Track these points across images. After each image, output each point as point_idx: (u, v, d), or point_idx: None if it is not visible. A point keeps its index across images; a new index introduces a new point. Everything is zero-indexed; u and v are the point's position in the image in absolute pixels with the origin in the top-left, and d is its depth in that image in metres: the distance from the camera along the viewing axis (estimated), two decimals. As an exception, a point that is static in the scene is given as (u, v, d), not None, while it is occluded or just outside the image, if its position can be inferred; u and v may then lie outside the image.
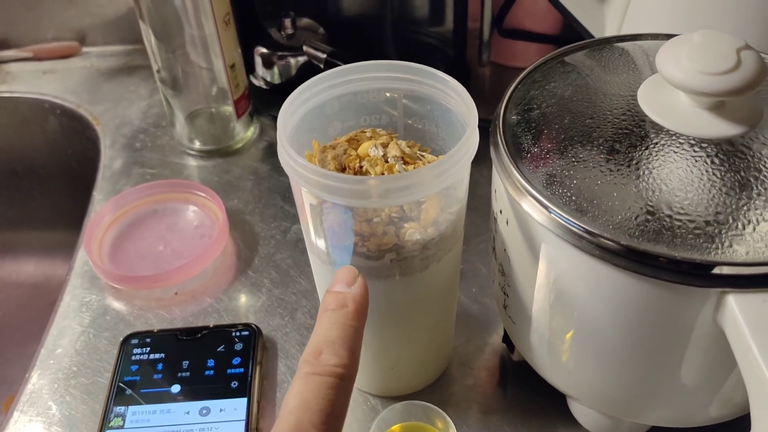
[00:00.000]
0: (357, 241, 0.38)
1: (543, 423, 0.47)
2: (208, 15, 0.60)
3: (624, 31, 0.56)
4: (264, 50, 0.70)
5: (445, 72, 0.40)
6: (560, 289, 0.37)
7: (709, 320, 0.33)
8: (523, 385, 0.49)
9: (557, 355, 0.41)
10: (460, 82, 0.40)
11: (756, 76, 0.34)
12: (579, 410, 0.46)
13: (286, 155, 0.37)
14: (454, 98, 0.40)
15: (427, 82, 0.41)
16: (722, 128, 0.35)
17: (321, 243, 0.40)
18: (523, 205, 0.36)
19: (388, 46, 0.66)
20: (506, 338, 0.49)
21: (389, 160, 0.40)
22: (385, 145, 0.41)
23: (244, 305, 0.55)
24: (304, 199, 0.39)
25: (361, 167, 0.40)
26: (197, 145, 0.69)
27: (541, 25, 0.72)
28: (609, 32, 0.57)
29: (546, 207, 0.35)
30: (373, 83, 0.42)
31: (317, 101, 0.41)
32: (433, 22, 0.70)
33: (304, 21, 0.73)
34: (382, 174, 0.39)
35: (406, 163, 0.40)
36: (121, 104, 0.76)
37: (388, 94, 0.42)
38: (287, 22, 0.69)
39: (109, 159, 0.69)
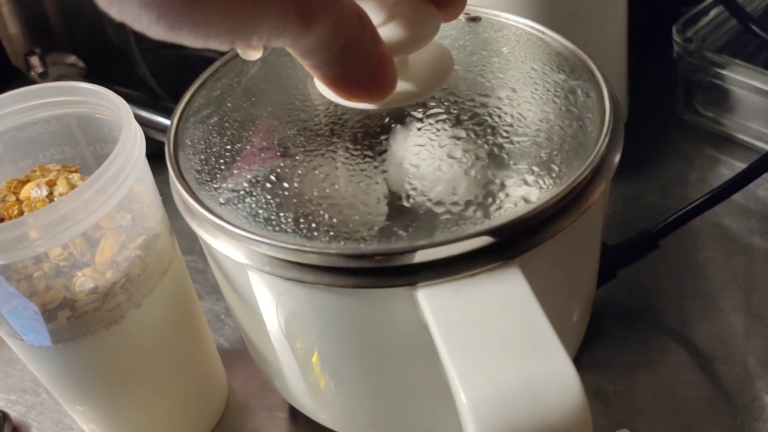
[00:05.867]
0: (18, 304, 0.31)
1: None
2: None
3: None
4: (15, 95, 0.62)
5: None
6: (267, 317, 0.31)
7: (417, 321, 0.28)
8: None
9: (304, 390, 0.35)
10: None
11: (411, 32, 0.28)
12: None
13: None
14: (113, 109, 0.34)
15: (92, 101, 0.35)
16: (401, 96, 0.30)
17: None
18: (193, 227, 0.30)
19: (145, 68, 0.60)
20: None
21: (56, 199, 0.33)
22: (52, 183, 0.34)
23: (-5, 389, 0.48)
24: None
25: (22, 213, 0.33)
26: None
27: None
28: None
29: (214, 225, 0.29)
30: (34, 113, 0.35)
31: (-35, 146, 0.35)
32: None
33: (69, 57, 0.67)
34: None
35: (78, 199, 0.34)
36: None
37: (57, 122, 0.36)
38: (34, 60, 0.62)
39: None
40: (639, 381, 0.41)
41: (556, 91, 0.30)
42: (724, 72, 0.50)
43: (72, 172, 0.35)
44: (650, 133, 0.54)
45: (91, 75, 0.64)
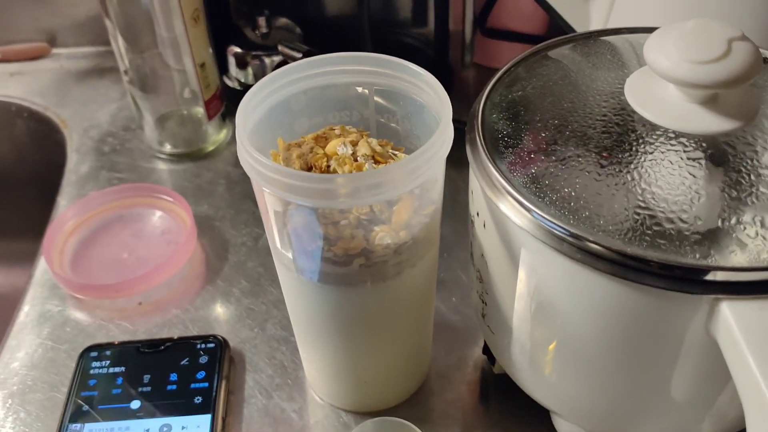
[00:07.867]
0: (323, 245, 0.35)
1: (526, 440, 0.44)
2: (175, 12, 0.58)
3: (610, 27, 0.53)
4: (237, 50, 0.67)
5: (427, 74, 0.38)
6: (542, 297, 0.34)
7: (701, 330, 0.30)
8: (505, 400, 0.46)
9: (539, 368, 0.38)
10: (442, 84, 0.37)
11: (747, 67, 0.31)
12: (563, 426, 0.44)
13: (246, 153, 0.34)
14: (428, 92, 0.37)
15: (400, 76, 0.38)
16: (714, 123, 0.33)
17: (286, 249, 0.37)
18: (501, 206, 0.33)
19: (366, 46, 0.64)
20: (486, 350, 0.47)
21: (358, 158, 0.37)
22: (354, 143, 0.38)
23: (211, 316, 0.52)
24: (267, 202, 0.36)
25: (328, 166, 0.37)
26: (168, 148, 0.66)
27: (525, 25, 0.70)
28: (594, 28, 0.54)
29: (526, 208, 0.32)
30: (341, 77, 0.39)
31: (281, 96, 0.38)
32: (414, 22, 0.68)
33: (281, 20, 0.71)
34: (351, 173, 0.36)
35: (376, 162, 0.37)
36: (90, 107, 0.73)
37: (358, 89, 0.40)
38: (261, 20, 0.67)
39: (75, 163, 0.66)
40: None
41: None
42: None
43: (365, 135, 0.39)
44: None
45: (306, 42, 0.68)
